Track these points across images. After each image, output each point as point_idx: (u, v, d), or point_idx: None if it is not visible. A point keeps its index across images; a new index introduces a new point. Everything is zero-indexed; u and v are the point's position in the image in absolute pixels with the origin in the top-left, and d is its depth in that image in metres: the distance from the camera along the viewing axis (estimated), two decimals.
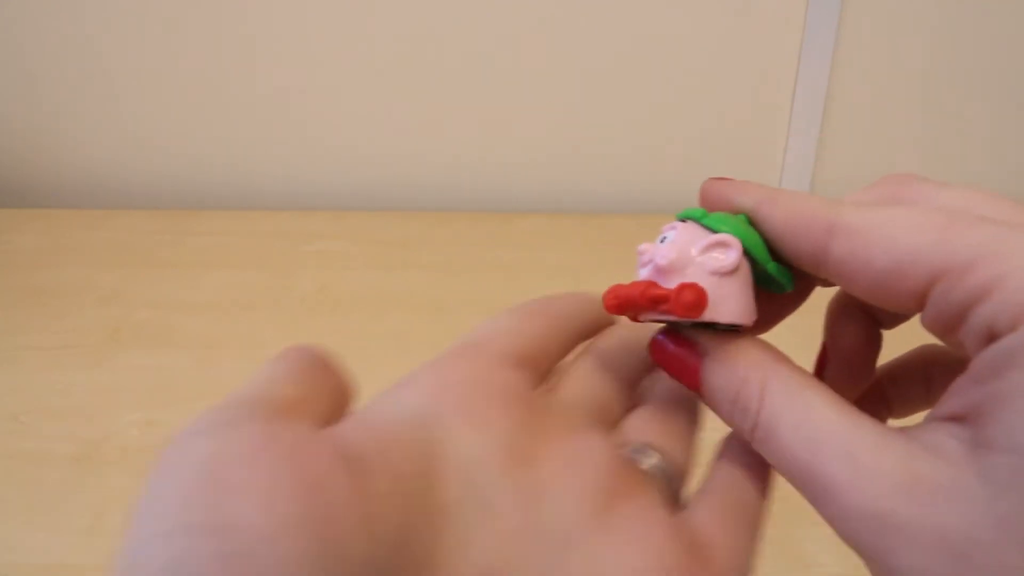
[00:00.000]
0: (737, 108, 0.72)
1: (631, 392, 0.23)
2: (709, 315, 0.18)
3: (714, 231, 0.19)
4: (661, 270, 0.19)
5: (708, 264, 0.19)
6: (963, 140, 0.72)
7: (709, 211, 0.20)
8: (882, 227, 0.17)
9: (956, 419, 0.16)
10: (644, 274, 0.20)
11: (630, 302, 0.19)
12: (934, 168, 0.74)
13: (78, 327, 0.57)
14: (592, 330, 0.24)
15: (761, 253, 0.19)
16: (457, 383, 0.18)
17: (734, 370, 0.19)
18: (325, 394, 0.18)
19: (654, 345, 0.21)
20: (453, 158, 0.75)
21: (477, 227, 0.71)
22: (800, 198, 0.19)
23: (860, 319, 0.22)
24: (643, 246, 0.20)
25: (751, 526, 0.20)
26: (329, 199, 0.77)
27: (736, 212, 0.20)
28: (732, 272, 0.19)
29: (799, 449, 0.17)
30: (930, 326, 0.17)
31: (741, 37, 0.69)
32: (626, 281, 0.20)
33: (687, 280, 0.19)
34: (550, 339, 0.22)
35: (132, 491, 0.49)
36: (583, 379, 0.22)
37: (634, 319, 0.20)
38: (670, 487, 0.20)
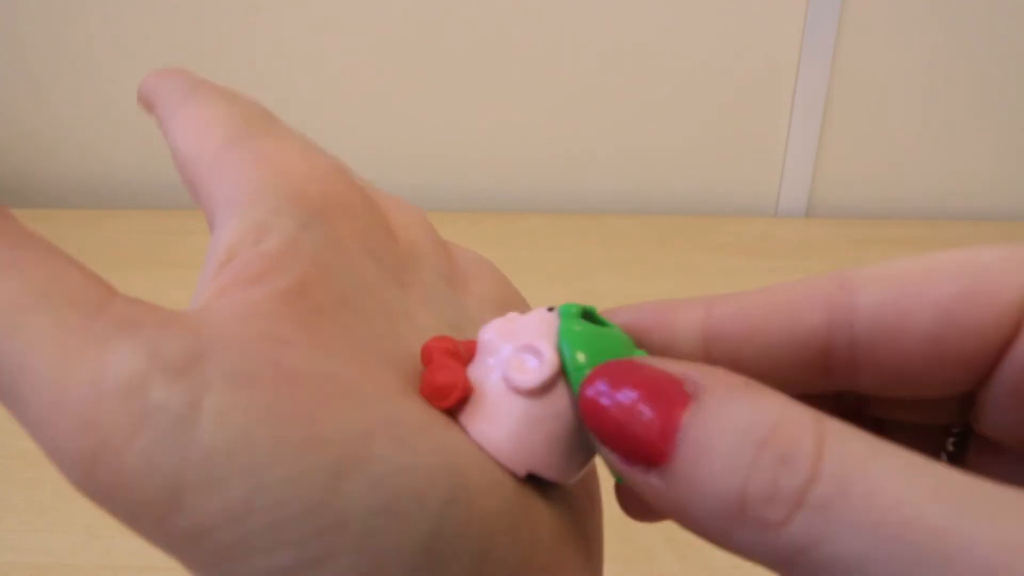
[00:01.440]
0: (737, 108, 0.72)
1: None
2: (474, 434, 0.13)
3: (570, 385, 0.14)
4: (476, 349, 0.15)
5: (509, 369, 0.14)
6: (964, 141, 0.72)
7: (635, 331, 0.15)
8: (931, 263, 0.13)
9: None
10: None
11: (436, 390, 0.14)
12: (934, 169, 0.74)
13: None
14: None
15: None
16: None
17: (768, 402, 0.11)
18: None
19: (590, 383, 0.13)
20: (453, 158, 0.75)
21: (477, 227, 0.71)
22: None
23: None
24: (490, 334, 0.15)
25: None
26: None
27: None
28: (532, 393, 0.13)
29: (916, 507, 0.10)
30: (1006, 397, 0.12)
31: (741, 37, 0.69)
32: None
33: (490, 374, 0.14)
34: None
35: None
36: None
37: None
38: None
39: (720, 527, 0.11)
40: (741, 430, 0.11)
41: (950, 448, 0.15)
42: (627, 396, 0.12)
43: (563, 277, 0.63)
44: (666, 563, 0.39)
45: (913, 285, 0.12)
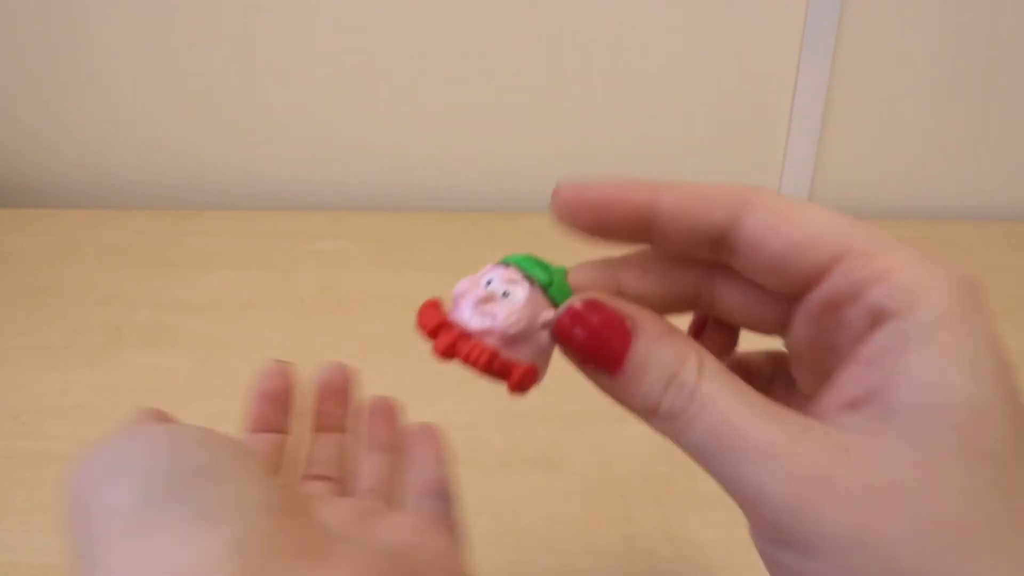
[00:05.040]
0: (737, 109, 0.72)
1: None
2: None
3: (553, 302, 0.20)
4: (507, 339, 0.19)
5: (542, 341, 0.20)
6: (964, 140, 0.72)
7: (586, 222, 0.20)
8: (801, 208, 0.19)
9: (853, 406, 0.18)
10: (475, 324, 0.19)
11: (468, 361, 0.19)
12: (935, 169, 0.74)
13: (78, 327, 0.57)
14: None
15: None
16: None
17: (675, 346, 0.19)
18: None
19: (571, 316, 0.19)
20: (453, 158, 0.75)
21: (477, 227, 0.71)
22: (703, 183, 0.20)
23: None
24: (462, 285, 0.20)
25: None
26: (329, 199, 0.77)
27: (623, 218, 0.20)
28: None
29: (739, 419, 0.18)
30: (821, 305, 0.19)
31: (741, 37, 0.69)
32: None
33: (526, 355, 0.20)
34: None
35: None
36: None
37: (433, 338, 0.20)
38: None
39: (641, 415, 0.19)
40: (661, 364, 0.19)
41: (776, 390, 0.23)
42: (592, 327, 0.19)
43: None
44: (666, 562, 0.39)
45: (780, 223, 0.19)
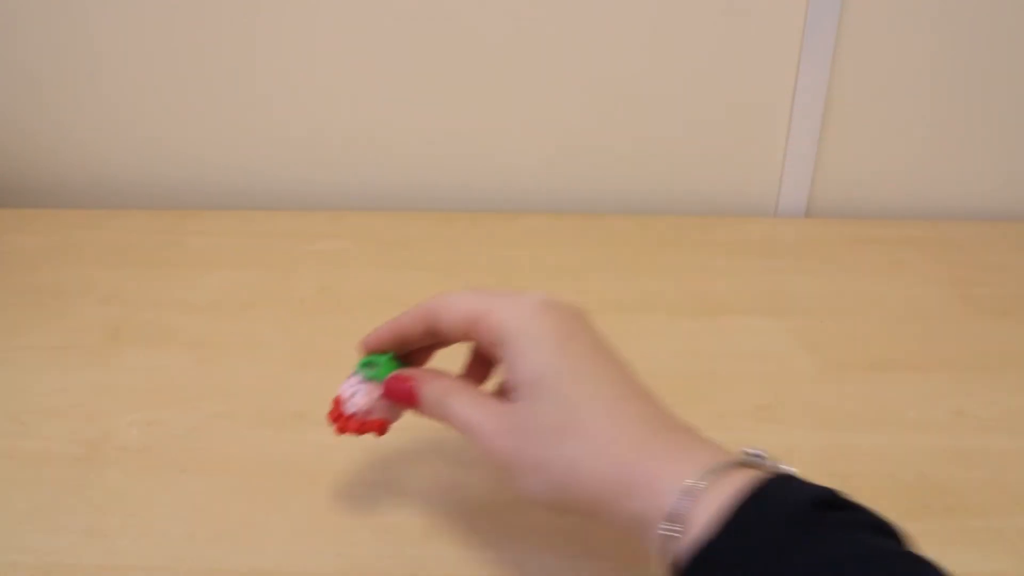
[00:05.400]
0: (737, 108, 0.72)
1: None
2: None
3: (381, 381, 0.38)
4: (365, 412, 0.38)
5: (384, 403, 0.38)
6: (964, 140, 0.72)
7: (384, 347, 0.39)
8: (455, 298, 0.36)
9: (506, 391, 0.34)
10: (349, 411, 0.38)
11: (349, 431, 0.38)
12: (935, 169, 0.74)
13: (78, 327, 0.57)
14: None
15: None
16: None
17: (436, 386, 0.36)
18: None
19: (387, 387, 0.37)
20: (453, 158, 0.75)
21: (477, 227, 0.71)
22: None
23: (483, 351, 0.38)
24: (342, 392, 0.38)
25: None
26: (329, 199, 0.77)
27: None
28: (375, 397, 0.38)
29: (467, 414, 0.34)
30: (484, 344, 0.35)
31: (741, 37, 0.68)
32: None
33: (381, 414, 0.38)
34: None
35: (132, 490, 0.49)
36: None
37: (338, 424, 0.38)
38: None
39: (434, 419, 0.36)
40: (432, 395, 0.35)
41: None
42: (398, 388, 0.36)
43: (562, 277, 0.63)
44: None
45: (443, 314, 0.35)
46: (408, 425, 0.39)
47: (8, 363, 0.54)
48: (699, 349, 0.55)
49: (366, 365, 0.37)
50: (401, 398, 0.36)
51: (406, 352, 0.39)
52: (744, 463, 0.29)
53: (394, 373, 0.37)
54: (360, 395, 0.37)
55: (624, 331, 0.60)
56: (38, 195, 0.78)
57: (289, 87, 0.72)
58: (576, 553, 0.40)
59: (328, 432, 0.38)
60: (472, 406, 0.33)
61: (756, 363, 0.54)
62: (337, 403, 0.38)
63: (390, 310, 0.62)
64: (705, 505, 0.27)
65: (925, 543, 0.40)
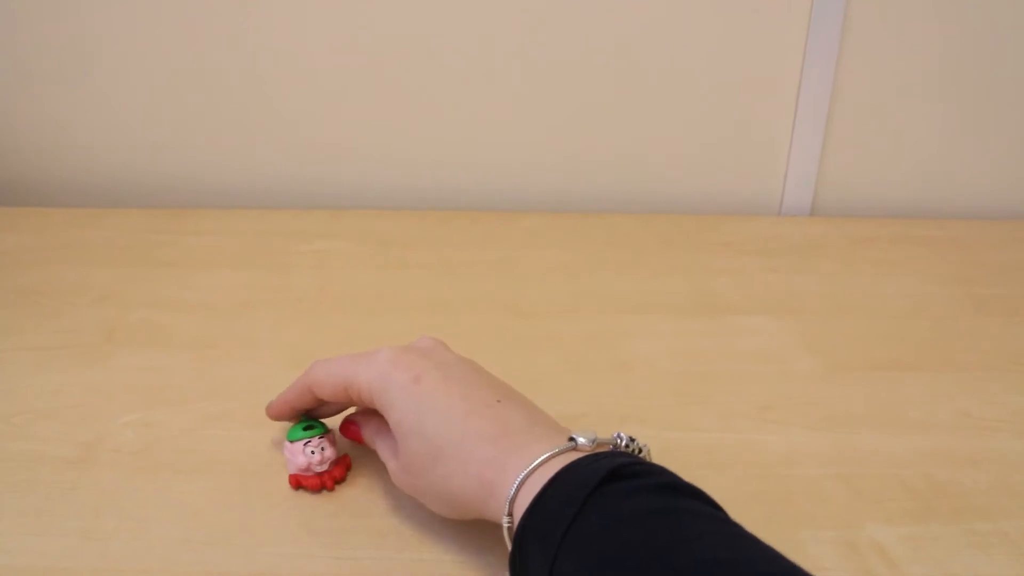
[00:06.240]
0: (741, 107, 0.71)
1: None
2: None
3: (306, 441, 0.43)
4: (302, 468, 0.43)
5: (309, 455, 0.43)
6: (966, 140, 0.72)
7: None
8: (327, 367, 0.41)
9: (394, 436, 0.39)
10: (329, 462, 0.43)
11: (322, 484, 0.43)
12: (938, 168, 0.73)
13: (73, 327, 0.57)
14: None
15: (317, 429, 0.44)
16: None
17: (368, 428, 0.42)
18: None
19: (343, 428, 0.44)
20: (453, 158, 0.75)
21: (477, 227, 0.70)
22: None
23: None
24: (308, 458, 0.42)
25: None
26: (328, 199, 0.76)
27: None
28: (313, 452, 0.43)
29: (382, 455, 0.41)
30: (357, 401, 0.41)
31: (744, 37, 0.68)
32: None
33: (336, 458, 0.44)
34: None
35: (127, 493, 0.48)
36: None
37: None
38: None
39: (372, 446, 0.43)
40: (369, 434, 0.42)
41: None
42: (348, 430, 0.44)
43: (563, 277, 0.63)
44: None
45: (321, 383, 0.41)
46: None
47: (1, 364, 0.53)
48: (702, 349, 0.55)
49: (308, 428, 0.43)
50: (352, 437, 0.44)
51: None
52: (577, 448, 0.34)
53: (344, 418, 0.44)
54: (328, 449, 0.43)
55: (625, 331, 0.59)
56: (32, 194, 0.78)
57: (287, 86, 0.72)
58: None
59: None
60: (384, 448, 0.40)
61: (759, 363, 0.53)
62: (308, 470, 0.43)
63: (388, 310, 0.62)
64: (525, 494, 0.33)
65: (931, 546, 0.40)
